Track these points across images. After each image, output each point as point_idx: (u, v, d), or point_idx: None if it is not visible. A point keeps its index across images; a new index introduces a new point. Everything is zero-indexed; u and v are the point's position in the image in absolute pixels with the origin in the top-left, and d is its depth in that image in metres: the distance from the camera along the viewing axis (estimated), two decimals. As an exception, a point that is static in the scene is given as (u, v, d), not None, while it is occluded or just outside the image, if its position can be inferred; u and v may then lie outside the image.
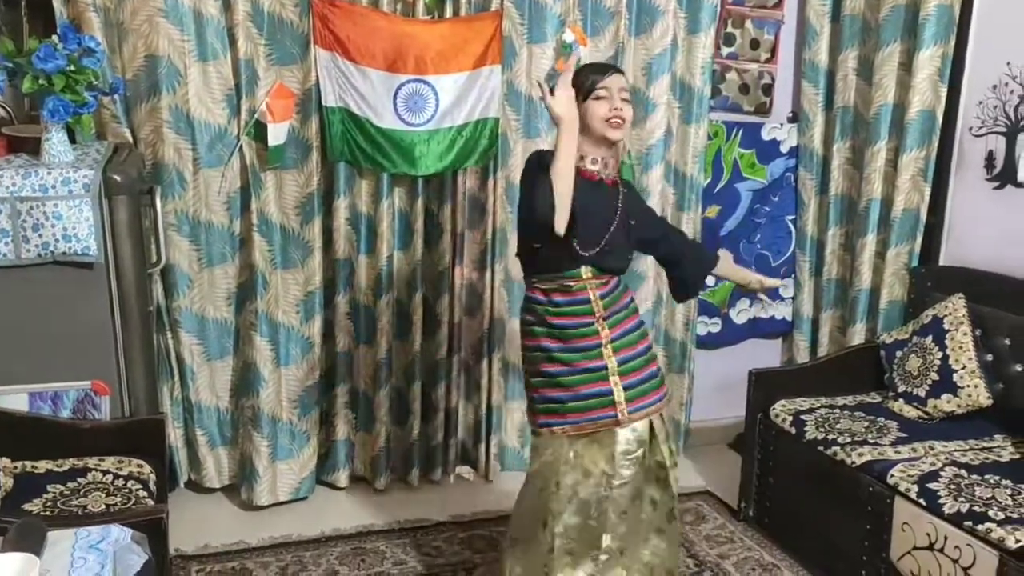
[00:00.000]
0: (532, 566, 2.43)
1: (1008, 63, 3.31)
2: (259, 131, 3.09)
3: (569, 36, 3.34)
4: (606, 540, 2.39)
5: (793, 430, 3.16)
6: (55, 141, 2.54)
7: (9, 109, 2.87)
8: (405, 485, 3.58)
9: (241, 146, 3.11)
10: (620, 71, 2.43)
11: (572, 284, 2.37)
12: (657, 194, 3.64)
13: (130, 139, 2.98)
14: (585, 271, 2.37)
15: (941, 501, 2.62)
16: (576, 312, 2.37)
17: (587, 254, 2.35)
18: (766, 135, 3.83)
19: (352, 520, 3.30)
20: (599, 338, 2.37)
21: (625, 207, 2.43)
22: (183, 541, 3.05)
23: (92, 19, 2.83)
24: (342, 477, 3.50)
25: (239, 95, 3.08)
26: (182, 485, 3.38)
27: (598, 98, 2.33)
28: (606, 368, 2.37)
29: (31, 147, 2.62)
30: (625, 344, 2.41)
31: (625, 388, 2.38)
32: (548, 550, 2.38)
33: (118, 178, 2.56)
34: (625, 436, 2.39)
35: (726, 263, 2.73)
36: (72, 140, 2.66)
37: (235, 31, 3.01)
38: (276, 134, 3.10)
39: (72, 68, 2.50)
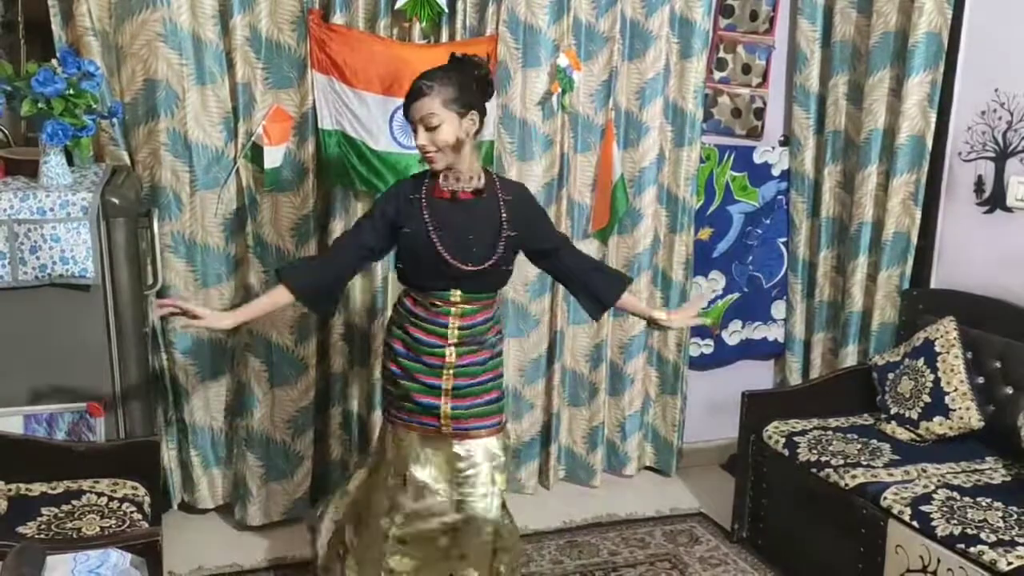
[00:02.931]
0: (368, 550, 2.53)
1: (996, 89, 3.36)
2: (256, 154, 3.11)
3: (563, 61, 3.37)
4: (443, 541, 2.49)
5: (786, 452, 3.17)
6: (53, 164, 2.55)
7: (7, 132, 2.88)
8: (399, 507, 3.58)
9: (238, 169, 3.13)
10: (424, 90, 2.27)
11: (438, 305, 2.39)
12: (650, 216, 3.67)
13: (128, 162, 2.99)
14: (454, 294, 2.38)
15: (934, 524, 2.64)
16: (430, 331, 2.40)
17: (471, 268, 2.34)
18: (758, 158, 3.87)
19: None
20: (443, 360, 2.41)
21: (508, 217, 2.38)
22: (177, 563, 3.04)
23: (91, 43, 2.85)
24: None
25: (236, 118, 3.10)
26: (175, 506, 3.37)
27: (414, 130, 2.32)
28: (440, 388, 2.42)
29: (29, 170, 2.63)
30: (467, 373, 2.43)
31: (453, 408, 2.43)
32: (384, 537, 2.46)
33: (116, 201, 2.57)
34: (458, 452, 2.44)
35: (628, 296, 2.61)
36: (70, 163, 2.67)
37: (233, 55, 3.04)
38: (273, 157, 3.11)
39: (71, 92, 2.51)
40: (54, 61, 2.55)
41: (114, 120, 2.90)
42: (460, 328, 2.40)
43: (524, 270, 3.55)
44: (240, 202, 3.17)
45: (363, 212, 3.27)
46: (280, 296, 2.39)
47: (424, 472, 2.46)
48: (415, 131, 2.31)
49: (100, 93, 2.71)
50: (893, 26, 3.54)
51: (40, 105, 2.48)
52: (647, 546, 3.39)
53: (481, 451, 2.46)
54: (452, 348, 2.40)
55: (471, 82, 2.32)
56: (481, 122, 2.36)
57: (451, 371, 2.42)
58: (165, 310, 2.36)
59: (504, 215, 2.38)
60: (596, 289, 2.56)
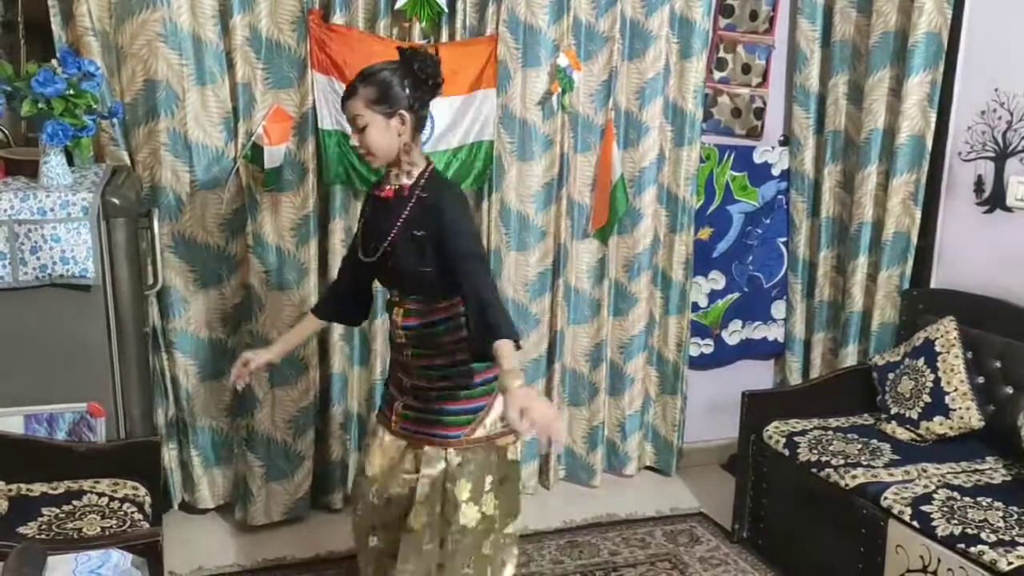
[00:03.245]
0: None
1: (996, 89, 3.36)
2: (256, 154, 3.11)
3: (563, 60, 3.37)
4: (372, 540, 2.48)
5: (786, 452, 3.17)
6: (54, 164, 2.55)
7: (7, 132, 2.88)
8: (399, 507, 3.58)
9: (238, 168, 3.13)
10: (350, 93, 2.22)
11: (390, 301, 2.41)
12: (650, 216, 3.67)
13: (128, 162, 2.99)
14: (393, 293, 2.38)
15: (934, 523, 2.64)
16: (391, 326, 2.41)
17: (367, 259, 2.34)
18: (758, 158, 3.87)
19: (347, 542, 3.27)
20: (403, 356, 2.38)
21: (413, 217, 2.25)
22: (177, 563, 3.04)
23: (91, 43, 2.85)
24: (337, 498, 3.49)
25: (236, 118, 3.10)
26: (175, 506, 3.37)
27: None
28: (401, 384, 2.41)
29: (29, 170, 2.63)
30: (425, 376, 2.35)
31: (404, 407, 2.39)
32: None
33: (116, 201, 2.57)
34: (405, 452, 2.38)
35: (508, 355, 2.05)
36: (70, 163, 2.67)
37: (233, 55, 3.04)
38: (272, 157, 3.11)
39: (71, 92, 2.51)
40: (54, 61, 2.55)
41: (114, 120, 2.90)
42: (404, 328, 2.33)
43: (523, 270, 3.56)
44: (240, 202, 3.17)
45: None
46: (307, 324, 2.61)
47: (374, 461, 2.45)
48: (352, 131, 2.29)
49: (100, 93, 2.70)
50: (893, 26, 3.54)
51: (40, 105, 2.47)
52: (647, 546, 3.39)
53: (420, 459, 2.34)
54: (408, 348, 2.35)
55: (404, 79, 2.20)
56: (418, 121, 2.25)
57: (412, 370, 2.36)
58: (240, 382, 2.53)
59: (406, 213, 2.25)
60: (471, 331, 2.19)
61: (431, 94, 2.27)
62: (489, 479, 2.36)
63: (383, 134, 2.20)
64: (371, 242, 2.33)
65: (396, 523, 2.40)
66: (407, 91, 2.20)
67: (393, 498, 2.40)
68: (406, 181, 2.28)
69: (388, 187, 2.30)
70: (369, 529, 2.48)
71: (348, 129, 3.11)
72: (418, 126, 2.27)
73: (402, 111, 2.20)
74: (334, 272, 3.29)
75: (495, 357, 2.05)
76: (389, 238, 2.27)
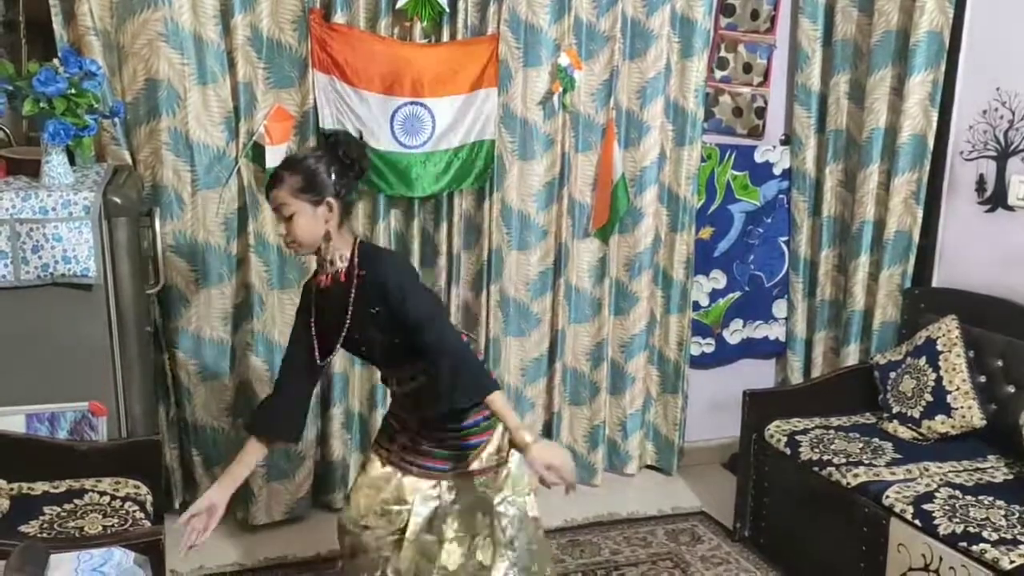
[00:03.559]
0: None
1: (998, 88, 3.36)
2: (257, 153, 3.11)
3: (564, 60, 3.37)
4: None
5: (788, 451, 3.17)
6: (55, 163, 2.55)
7: (9, 131, 2.88)
8: (401, 506, 3.58)
9: (239, 168, 3.13)
10: (276, 181, 2.17)
11: (382, 376, 2.43)
12: (651, 215, 3.67)
13: (129, 161, 2.99)
14: (380, 369, 2.40)
15: (936, 522, 2.64)
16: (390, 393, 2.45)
17: (322, 362, 2.30)
18: (759, 157, 3.87)
19: (348, 541, 3.29)
20: (404, 412, 2.40)
21: (362, 296, 2.22)
22: (178, 562, 3.03)
23: (92, 42, 2.85)
24: (338, 498, 3.49)
25: (238, 118, 3.10)
26: (177, 506, 3.36)
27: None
28: (404, 423, 2.40)
29: (31, 169, 2.63)
30: (428, 426, 2.34)
31: (410, 439, 2.37)
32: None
33: (118, 200, 2.57)
34: (392, 485, 2.36)
35: (506, 409, 2.17)
36: (72, 162, 2.67)
37: (234, 55, 3.04)
38: (273, 156, 3.11)
39: (73, 91, 2.51)
40: (56, 61, 2.55)
41: (116, 120, 2.90)
42: (406, 395, 2.35)
43: (525, 270, 3.56)
44: (241, 201, 3.17)
45: (366, 212, 3.31)
46: (248, 449, 2.37)
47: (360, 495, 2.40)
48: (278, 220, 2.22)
49: (102, 92, 2.71)
50: (894, 25, 3.54)
51: (42, 105, 2.47)
52: (649, 545, 3.39)
53: (411, 488, 2.34)
54: (409, 405, 2.36)
55: (330, 166, 2.18)
56: (345, 207, 2.21)
57: (415, 422, 2.37)
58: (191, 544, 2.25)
59: (354, 295, 2.23)
60: (441, 385, 2.17)
61: (357, 179, 2.25)
62: (481, 518, 2.35)
63: (310, 222, 2.16)
64: (332, 335, 2.27)
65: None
66: (333, 178, 2.18)
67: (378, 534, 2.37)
68: (340, 265, 2.23)
69: (323, 275, 2.26)
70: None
71: (349, 129, 3.16)
72: (345, 212, 2.23)
73: (329, 199, 2.17)
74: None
75: (492, 411, 2.15)
76: (346, 326, 2.24)
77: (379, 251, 2.40)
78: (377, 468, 2.41)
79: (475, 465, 2.34)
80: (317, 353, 2.30)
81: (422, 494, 2.34)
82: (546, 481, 2.04)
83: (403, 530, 2.33)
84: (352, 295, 2.23)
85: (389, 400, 2.54)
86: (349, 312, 2.23)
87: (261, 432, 2.36)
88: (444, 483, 2.35)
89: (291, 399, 2.35)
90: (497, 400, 2.12)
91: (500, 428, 2.32)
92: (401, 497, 2.35)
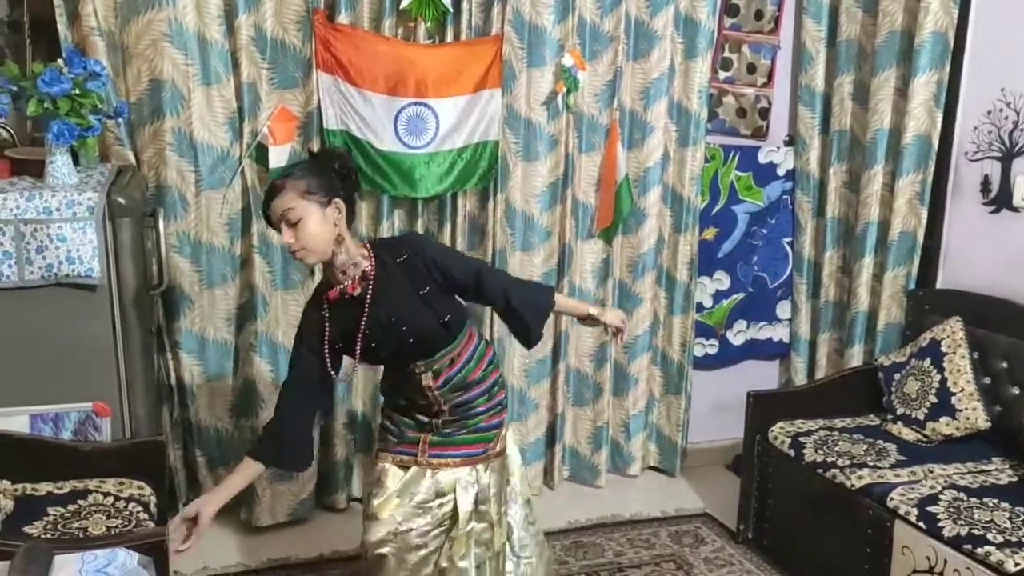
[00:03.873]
0: None
1: (1002, 89, 3.35)
2: (261, 154, 3.11)
3: (568, 60, 3.37)
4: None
5: (792, 452, 3.17)
6: (59, 164, 2.55)
7: (13, 132, 2.88)
8: (404, 507, 3.58)
9: (243, 168, 3.13)
10: (278, 187, 2.11)
11: (406, 378, 2.31)
12: (654, 216, 3.67)
13: (133, 162, 2.99)
14: (416, 365, 2.27)
15: (941, 524, 2.63)
16: (414, 400, 2.35)
17: (370, 362, 2.30)
18: (763, 158, 3.86)
19: (352, 542, 3.27)
20: (428, 417, 2.35)
21: (411, 281, 2.21)
22: (182, 563, 3.04)
23: (97, 43, 2.85)
24: (341, 499, 3.49)
25: (241, 118, 3.10)
26: (181, 507, 3.36)
27: (278, 230, 2.15)
28: (420, 422, 2.35)
29: (35, 169, 2.63)
30: (456, 413, 2.34)
31: (434, 434, 2.34)
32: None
33: (122, 200, 2.57)
34: (426, 484, 2.32)
35: (560, 297, 2.48)
36: (76, 163, 2.67)
37: (238, 55, 3.04)
38: (277, 156, 3.11)
39: (77, 92, 2.51)
40: (60, 61, 2.55)
41: (120, 120, 2.90)
42: (439, 388, 2.30)
43: (528, 270, 3.56)
44: (245, 202, 3.17)
45: (369, 213, 3.31)
46: (248, 469, 2.27)
47: (388, 503, 2.33)
48: (279, 231, 2.12)
49: (106, 93, 2.71)
50: (899, 26, 3.53)
51: (46, 105, 2.48)
52: (652, 547, 3.38)
53: (450, 481, 2.33)
54: (440, 398, 2.32)
55: (330, 172, 2.17)
56: (350, 212, 2.20)
57: (441, 412, 2.34)
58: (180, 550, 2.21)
59: (406, 284, 2.21)
60: (523, 313, 2.32)
61: (355, 188, 2.25)
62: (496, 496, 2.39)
63: (319, 226, 2.10)
64: (391, 332, 2.20)
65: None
66: (337, 182, 2.17)
67: (423, 538, 2.32)
68: (367, 267, 2.19)
69: (347, 284, 2.19)
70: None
71: (353, 130, 3.17)
72: (350, 218, 2.20)
73: (336, 199, 2.14)
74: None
75: (564, 312, 2.54)
76: (394, 320, 2.19)
77: (395, 237, 2.45)
78: (399, 475, 2.34)
79: (499, 447, 2.40)
80: (332, 369, 2.25)
81: (462, 483, 2.33)
82: (619, 334, 2.46)
83: (447, 522, 2.32)
84: (405, 285, 2.19)
85: (392, 405, 2.43)
86: (405, 302, 2.19)
87: (271, 463, 2.32)
88: (480, 467, 2.36)
89: (298, 427, 2.28)
90: (562, 298, 2.52)
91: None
92: (440, 491, 2.33)
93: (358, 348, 2.22)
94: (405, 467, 2.35)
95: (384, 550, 2.30)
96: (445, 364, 2.30)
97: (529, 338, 2.36)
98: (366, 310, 2.20)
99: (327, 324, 2.23)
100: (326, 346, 2.23)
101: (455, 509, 2.31)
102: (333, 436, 3.43)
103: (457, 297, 2.33)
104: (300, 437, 2.29)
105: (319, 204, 2.11)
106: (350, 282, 2.19)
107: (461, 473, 2.33)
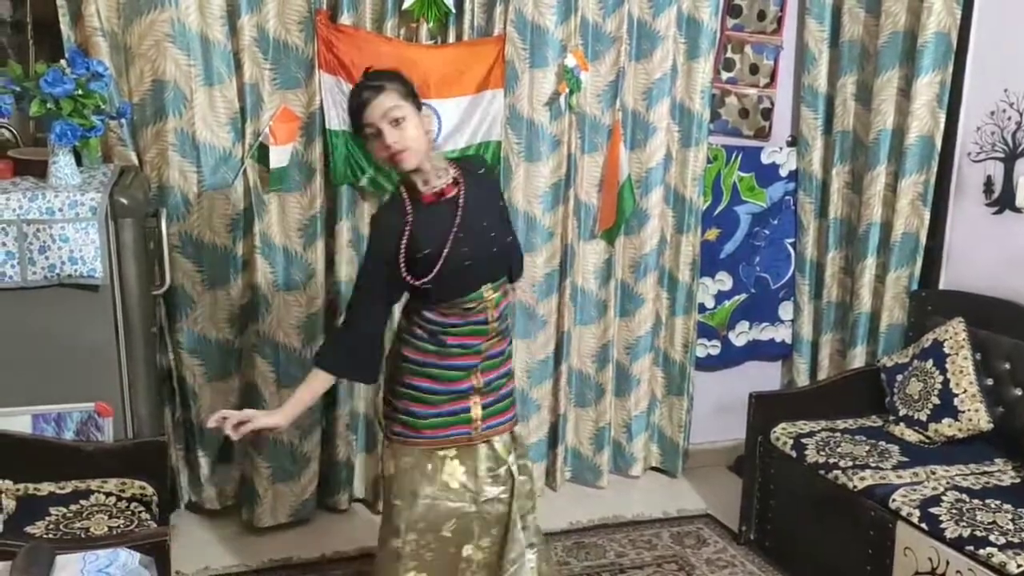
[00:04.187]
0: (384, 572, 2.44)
1: (1006, 90, 3.35)
2: (263, 154, 3.11)
3: (571, 61, 3.37)
4: (467, 550, 2.41)
5: (794, 453, 3.16)
6: (62, 164, 2.55)
7: (16, 132, 2.89)
8: (406, 507, 3.58)
9: (245, 169, 3.13)
10: (379, 87, 2.13)
11: (473, 306, 2.29)
12: (657, 217, 3.67)
13: (136, 162, 3.00)
14: (487, 290, 2.29)
15: (943, 526, 2.63)
16: (470, 333, 2.32)
17: (422, 284, 2.23)
18: (765, 159, 3.86)
19: (353, 542, 3.29)
20: (479, 358, 2.35)
21: (487, 198, 2.30)
22: (184, 563, 3.04)
23: (100, 43, 2.86)
24: (343, 499, 3.49)
25: (244, 118, 3.10)
26: (182, 507, 3.37)
27: (368, 138, 2.18)
28: (472, 388, 2.36)
29: (38, 170, 2.63)
30: (492, 366, 2.39)
31: (483, 407, 2.38)
32: (396, 557, 2.36)
33: (125, 201, 2.57)
34: (485, 452, 2.40)
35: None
36: (78, 163, 2.67)
37: (241, 56, 3.04)
38: (278, 157, 3.11)
39: (80, 92, 2.51)
40: (63, 61, 2.55)
41: (122, 120, 2.90)
42: (498, 320, 2.35)
43: (531, 271, 3.56)
44: (247, 202, 3.17)
45: (371, 214, 3.31)
46: (319, 381, 2.31)
47: (433, 487, 2.37)
48: (378, 134, 2.14)
49: (108, 93, 2.71)
50: (902, 26, 3.53)
51: (49, 106, 2.48)
52: (654, 547, 3.38)
53: (502, 446, 2.43)
54: (495, 336, 2.37)
55: (411, 85, 2.24)
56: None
57: (480, 366, 2.36)
58: (213, 423, 2.26)
59: (487, 196, 2.32)
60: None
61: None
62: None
63: (418, 129, 2.15)
64: (481, 239, 2.24)
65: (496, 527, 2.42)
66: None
67: (491, 505, 2.41)
68: (455, 173, 2.25)
69: (442, 185, 2.22)
70: (459, 548, 2.40)
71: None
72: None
73: (422, 106, 2.21)
74: (342, 272, 3.30)
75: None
76: (485, 225, 2.25)
77: (467, 159, 2.62)
78: (457, 467, 2.38)
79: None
80: (411, 278, 2.22)
81: (506, 446, 2.44)
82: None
83: (510, 482, 2.42)
84: (486, 197, 2.28)
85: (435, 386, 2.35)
86: (491, 212, 2.29)
87: (339, 372, 2.33)
88: (514, 429, 2.48)
89: (368, 338, 2.29)
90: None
91: None
92: (500, 458, 2.41)
93: (447, 249, 2.20)
94: (462, 449, 2.38)
95: (457, 522, 2.38)
96: (502, 294, 2.35)
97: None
98: (459, 211, 2.22)
99: (409, 229, 2.21)
100: (403, 252, 2.21)
101: (509, 470, 2.41)
102: (335, 436, 3.44)
103: None
104: (373, 347, 2.31)
105: (416, 107, 2.17)
106: (444, 185, 2.23)
107: (506, 437, 2.44)
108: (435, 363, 2.33)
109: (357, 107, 2.16)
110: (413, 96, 2.18)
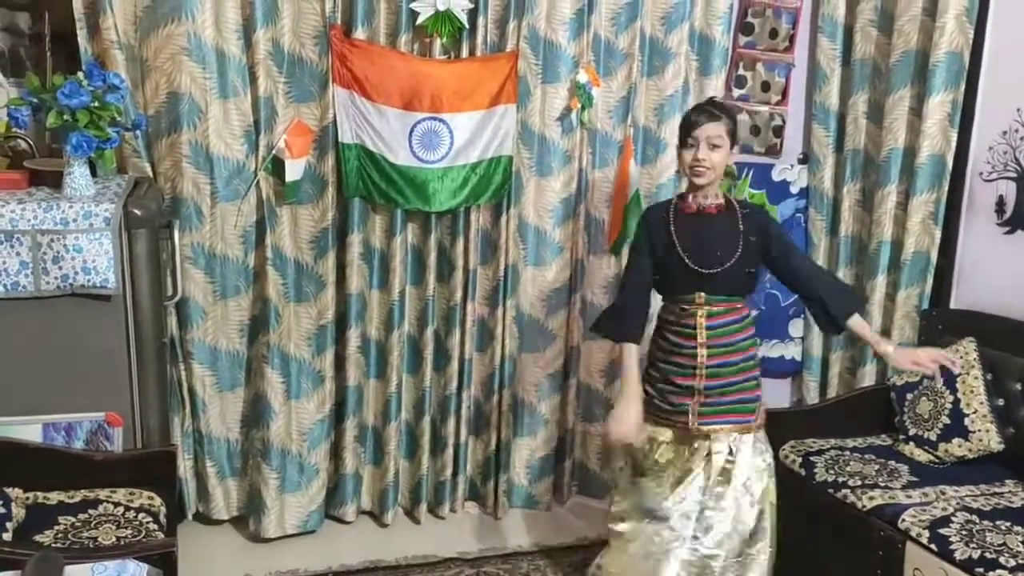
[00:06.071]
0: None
1: (1018, 109, 3.34)
2: (276, 167, 3.13)
3: (583, 77, 3.38)
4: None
5: (803, 471, 3.15)
6: (77, 175, 2.58)
7: (32, 143, 2.91)
8: (412, 520, 3.58)
9: (258, 181, 3.15)
10: (717, 116, 2.57)
11: (685, 308, 2.63)
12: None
13: (150, 173, 3.02)
14: (698, 295, 2.61)
15: (953, 547, 2.61)
16: (681, 333, 2.63)
17: (707, 271, 2.59)
18: (776, 176, 3.86)
19: (360, 555, 3.29)
20: (695, 361, 2.61)
21: (743, 228, 2.62)
22: (191, 574, 3.03)
23: (116, 56, 2.88)
24: (350, 511, 3.49)
25: (258, 131, 3.12)
26: (190, 517, 3.38)
27: (686, 146, 2.59)
28: (692, 388, 2.61)
29: (53, 180, 2.66)
30: (717, 374, 2.62)
31: (702, 405, 2.62)
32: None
33: (138, 212, 2.59)
34: (716, 448, 2.61)
35: (866, 326, 2.73)
36: (93, 174, 2.70)
37: (256, 69, 3.07)
38: (293, 170, 3.13)
39: (96, 104, 2.54)
40: (80, 74, 2.59)
41: (137, 132, 2.93)
42: (707, 328, 2.60)
43: (540, 285, 3.56)
44: (260, 214, 3.19)
45: (383, 226, 3.33)
46: (633, 352, 2.69)
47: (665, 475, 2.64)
48: (695, 145, 2.55)
49: (124, 106, 2.73)
50: (914, 45, 3.52)
51: (65, 117, 2.50)
52: (661, 564, 3.36)
53: (727, 446, 2.61)
54: (704, 349, 2.60)
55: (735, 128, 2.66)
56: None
57: (703, 371, 2.60)
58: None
59: (742, 226, 2.63)
60: (826, 302, 2.66)
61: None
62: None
63: (724, 160, 2.59)
64: (705, 251, 2.59)
65: None
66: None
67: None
68: (720, 200, 2.64)
69: (707, 204, 2.63)
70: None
71: (368, 144, 3.19)
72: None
73: (733, 148, 2.63)
74: (352, 284, 3.32)
75: (851, 327, 2.65)
76: (739, 246, 2.60)
77: (747, 202, 2.95)
78: (670, 435, 2.66)
79: (759, 421, 2.70)
80: (688, 261, 2.59)
81: (723, 445, 2.64)
82: (927, 371, 2.64)
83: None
84: (742, 224, 2.62)
85: (658, 359, 2.69)
86: (740, 235, 2.61)
87: (624, 336, 2.70)
88: (742, 435, 2.65)
89: (638, 309, 2.70)
90: (859, 319, 2.66)
91: None
92: (688, 468, 2.63)
93: (689, 245, 2.61)
94: (676, 429, 2.65)
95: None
96: (721, 310, 2.62)
97: (835, 323, 2.66)
98: (707, 224, 2.63)
99: (672, 226, 2.64)
100: (672, 240, 2.63)
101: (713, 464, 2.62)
102: (343, 448, 3.44)
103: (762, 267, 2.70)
104: (641, 317, 2.70)
105: (730, 144, 2.60)
106: (709, 204, 2.63)
107: (727, 438, 2.62)
108: (658, 354, 2.75)
109: (693, 122, 2.58)
110: (733, 135, 2.61)
